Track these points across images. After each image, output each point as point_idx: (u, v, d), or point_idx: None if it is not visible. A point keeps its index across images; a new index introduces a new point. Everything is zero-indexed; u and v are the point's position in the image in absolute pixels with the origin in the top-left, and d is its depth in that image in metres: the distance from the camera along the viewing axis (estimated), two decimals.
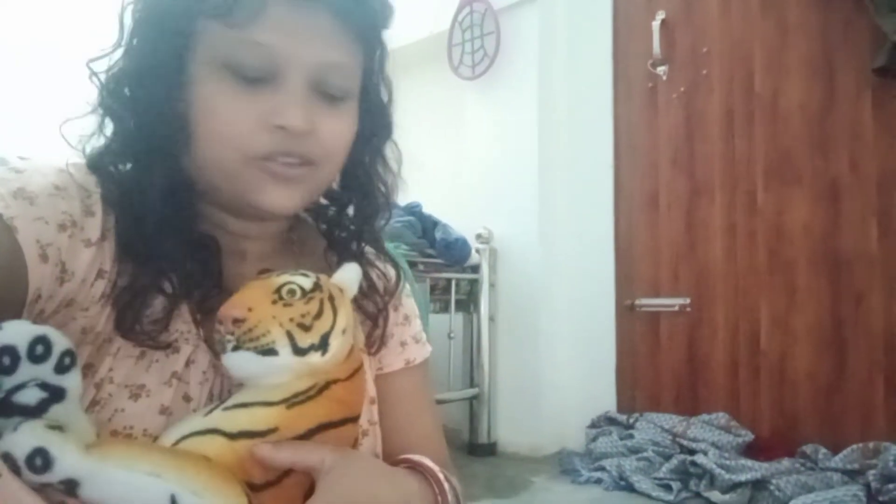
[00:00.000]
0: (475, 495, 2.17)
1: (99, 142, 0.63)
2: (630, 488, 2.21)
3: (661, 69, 2.76)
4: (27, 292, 0.50)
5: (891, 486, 1.88)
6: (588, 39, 2.95)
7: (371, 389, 0.74)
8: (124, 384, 0.57)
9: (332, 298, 0.58)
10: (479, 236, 2.87)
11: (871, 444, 2.07)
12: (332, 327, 0.56)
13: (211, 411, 0.54)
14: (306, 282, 0.57)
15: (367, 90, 0.70)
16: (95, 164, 0.61)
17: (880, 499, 1.87)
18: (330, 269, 0.74)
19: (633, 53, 2.86)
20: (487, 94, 3.00)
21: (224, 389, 0.63)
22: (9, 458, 0.40)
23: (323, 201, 0.77)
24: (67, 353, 0.45)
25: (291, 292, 0.55)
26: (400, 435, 0.76)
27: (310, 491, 0.54)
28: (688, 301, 2.63)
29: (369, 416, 0.72)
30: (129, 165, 0.61)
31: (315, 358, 0.54)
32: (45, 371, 0.44)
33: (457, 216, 2.89)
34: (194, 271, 0.62)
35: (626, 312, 2.81)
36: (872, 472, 1.95)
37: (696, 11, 2.70)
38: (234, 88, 0.59)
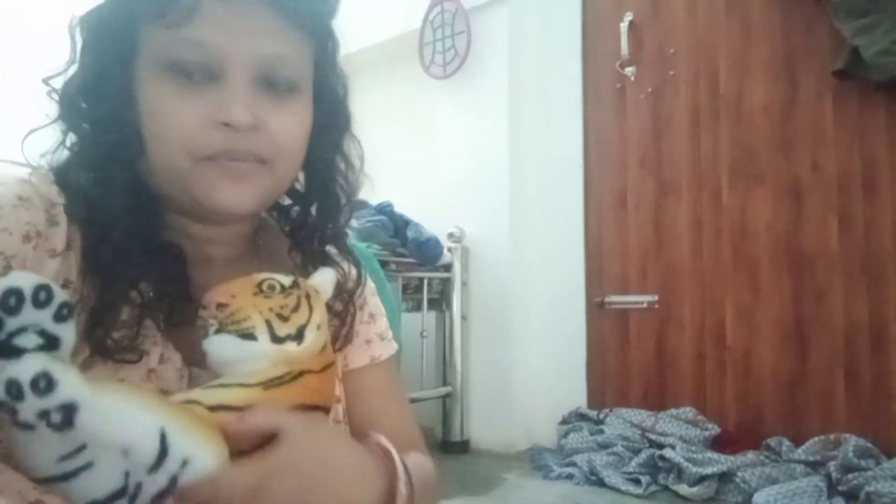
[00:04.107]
0: (448, 493, 2.18)
1: (62, 154, 0.63)
2: (600, 483, 2.25)
3: (629, 70, 2.80)
4: None
5: (850, 476, 1.94)
6: (557, 40, 2.98)
7: (337, 389, 0.75)
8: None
9: (308, 296, 0.61)
10: (450, 235, 2.88)
11: (832, 436, 2.14)
12: (308, 321, 0.59)
13: (190, 390, 0.56)
14: (286, 279, 0.61)
15: (321, 83, 0.69)
16: (60, 175, 0.61)
17: (840, 488, 1.93)
18: (295, 270, 0.75)
19: (601, 54, 2.90)
20: (458, 93, 3.01)
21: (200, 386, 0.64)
22: (13, 384, 0.42)
23: (287, 201, 0.77)
24: (66, 304, 0.47)
25: (271, 287, 0.59)
26: (370, 428, 0.77)
27: None
28: (656, 298, 2.68)
29: (335, 414, 0.73)
30: (90, 176, 0.61)
31: (291, 347, 0.57)
32: (45, 318, 0.46)
33: (428, 215, 2.90)
34: (162, 281, 0.62)
35: (595, 310, 2.84)
36: (833, 462, 2.01)
37: (663, 13, 2.74)
38: (177, 89, 0.59)
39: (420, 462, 0.70)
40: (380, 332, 0.83)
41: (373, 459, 0.60)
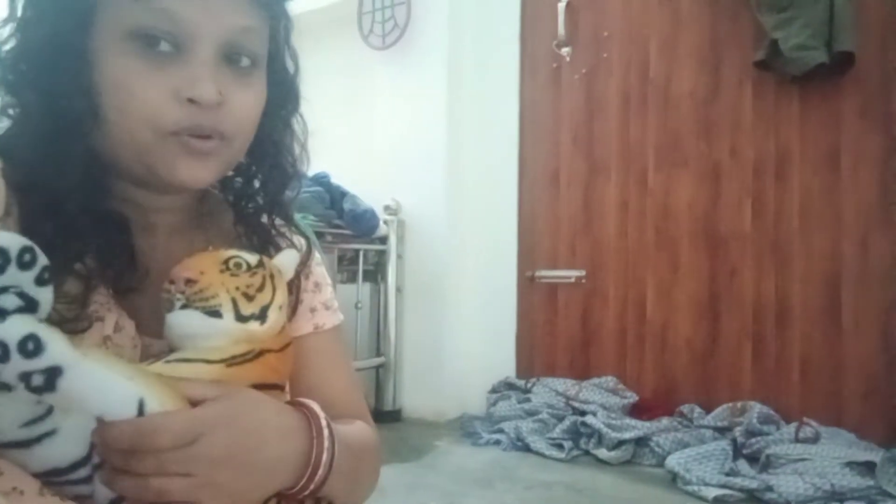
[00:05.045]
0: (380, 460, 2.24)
1: (1, 120, 0.61)
2: (526, 448, 2.36)
3: (565, 50, 2.86)
4: None
5: (753, 440, 2.11)
6: (497, 16, 3.02)
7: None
8: None
9: (272, 277, 0.62)
10: (387, 208, 2.90)
11: (738, 404, 2.32)
12: (271, 301, 0.61)
13: (151, 363, 0.57)
14: (252, 258, 0.62)
15: (274, 60, 0.70)
16: (1, 141, 0.60)
17: (744, 451, 2.10)
18: (238, 241, 0.76)
19: (539, 33, 2.96)
20: (397, 65, 3.01)
21: (152, 356, 0.63)
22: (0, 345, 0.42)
23: (229, 173, 0.77)
24: (47, 268, 0.47)
25: (238, 265, 0.60)
26: (314, 394, 0.79)
27: None
28: (583, 273, 2.80)
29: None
30: (37, 145, 0.59)
31: (254, 326, 0.59)
32: (27, 280, 0.46)
33: (365, 187, 2.91)
34: (106, 250, 0.62)
35: (526, 283, 2.94)
36: (739, 428, 2.18)
37: None
38: (142, 61, 0.58)
39: (355, 429, 0.74)
40: (324, 302, 0.85)
41: (298, 420, 0.62)
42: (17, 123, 0.61)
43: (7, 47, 0.60)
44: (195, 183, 0.63)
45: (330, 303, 0.85)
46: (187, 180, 0.62)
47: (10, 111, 0.61)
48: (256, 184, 0.77)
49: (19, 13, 0.59)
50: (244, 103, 0.64)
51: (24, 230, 0.57)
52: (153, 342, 0.64)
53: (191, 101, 0.59)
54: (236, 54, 0.62)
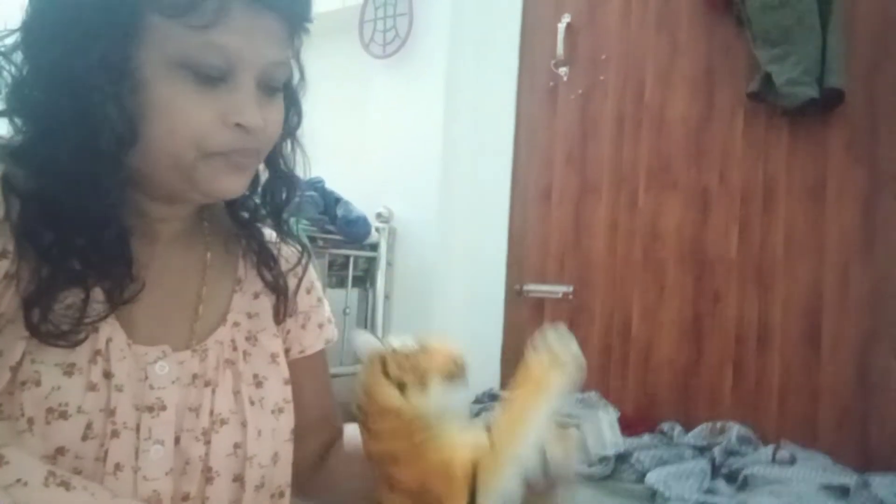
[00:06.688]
0: None
1: (16, 130, 0.63)
2: None
3: (562, 70, 2.92)
4: None
5: (731, 460, 2.17)
6: (497, 32, 3.06)
7: (285, 371, 0.79)
8: (54, 363, 0.59)
9: None
10: (379, 215, 2.92)
11: (718, 424, 2.37)
12: None
13: None
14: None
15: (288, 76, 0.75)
16: (18, 150, 0.61)
17: (723, 471, 2.15)
18: (239, 247, 0.79)
19: (538, 51, 3.01)
20: (396, 74, 3.03)
21: (138, 367, 0.65)
22: None
23: None
24: None
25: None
26: (308, 411, 0.82)
27: None
28: (571, 289, 2.84)
29: (284, 395, 0.77)
30: (66, 161, 0.60)
31: None
32: None
33: (358, 194, 2.93)
34: (105, 260, 0.63)
35: (514, 297, 2.98)
36: (718, 447, 2.23)
37: (599, 19, 2.87)
38: (191, 88, 0.61)
39: None
40: (328, 316, 0.88)
41: None
42: (42, 136, 0.61)
43: (40, 62, 0.61)
44: (234, 193, 0.68)
45: (331, 316, 0.89)
46: (227, 191, 0.67)
47: (23, 121, 0.62)
48: (259, 192, 0.80)
49: (51, 30, 0.60)
50: (275, 122, 0.69)
51: (21, 236, 0.59)
52: (148, 350, 0.66)
53: (238, 125, 0.63)
54: (270, 81, 0.67)
